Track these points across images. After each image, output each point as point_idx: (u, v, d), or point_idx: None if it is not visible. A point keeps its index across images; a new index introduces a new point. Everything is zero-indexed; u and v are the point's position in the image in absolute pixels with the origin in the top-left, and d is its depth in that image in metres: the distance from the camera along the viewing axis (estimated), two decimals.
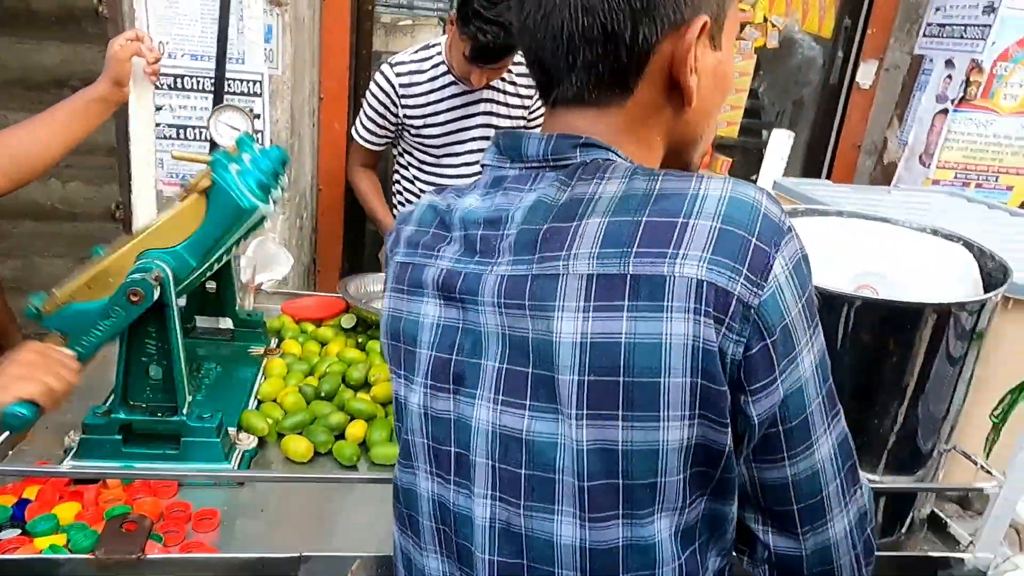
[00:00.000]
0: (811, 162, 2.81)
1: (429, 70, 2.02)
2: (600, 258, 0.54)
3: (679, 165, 0.69)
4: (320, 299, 1.86)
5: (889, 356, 1.09)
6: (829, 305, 1.06)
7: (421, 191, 2.14)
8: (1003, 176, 2.36)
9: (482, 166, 0.69)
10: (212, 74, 2.02)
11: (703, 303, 0.51)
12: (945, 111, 2.30)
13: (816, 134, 2.78)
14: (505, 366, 0.59)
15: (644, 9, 0.57)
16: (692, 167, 0.69)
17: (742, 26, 2.64)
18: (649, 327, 0.52)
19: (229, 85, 2.07)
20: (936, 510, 1.31)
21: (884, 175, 2.60)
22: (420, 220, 0.70)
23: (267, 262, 1.93)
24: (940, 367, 1.11)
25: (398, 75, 2.01)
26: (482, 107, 2.04)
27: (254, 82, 2.09)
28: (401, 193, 2.20)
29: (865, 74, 2.66)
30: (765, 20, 2.64)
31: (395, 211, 2.23)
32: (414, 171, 2.14)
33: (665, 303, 0.52)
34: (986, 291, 1.18)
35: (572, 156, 0.61)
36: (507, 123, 2.09)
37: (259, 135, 2.14)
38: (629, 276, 0.53)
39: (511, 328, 0.58)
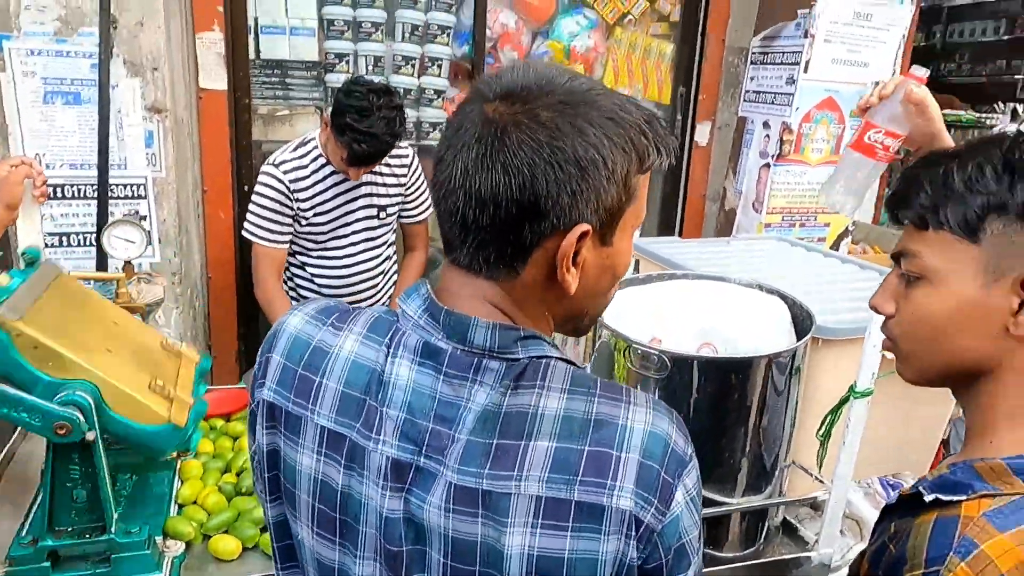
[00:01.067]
0: (668, 210, 3.16)
1: (310, 164, 2.14)
2: (549, 482, 0.62)
3: (570, 328, 0.76)
4: (224, 393, 1.90)
5: (732, 399, 1.33)
6: (680, 365, 1.29)
7: (312, 276, 2.23)
8: (820, 215, 2.78)
9: (401, 311, 0.71)
10: (94, 181, 2.06)
11: (629, 528, 0.62)
12: (768, 165, 2.69)
13: (669, 186, 3.14)
14: (451, 563, 0.65)
15: (530, 210, 0.62)
16: (583, 331, 0.78)
17: None
18: (589, 545, 0.62)
19: (113, 190, 2.11)
20: (788, 517, 1.56)
21: (727, 219, 2.97)
22: (339, 377, 0.70)
23: None
24: (771, 401, 1.36)
25: (285, 172, 2.10)
26: (364, 190, 2.18)
27: (138, 185, 2.14)
28: (291, 280, 2.29)
29: (701, 133, 3.04)
30: None
31: (299, 296, 2.30)
32: (302, 258, 2.24)
33: (603, 527, 0.62)
34: (800, 334, 1.46)
35: (515, 350, 0.66)
36: (387, 200, 2.23)
37: (147, 235, 2.18)
38: (575, 502, 0.62)
39: (456, 531, 0.64)
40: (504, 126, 0.62)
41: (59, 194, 2.07)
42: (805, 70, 2.53)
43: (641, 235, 3.18)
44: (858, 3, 2.49)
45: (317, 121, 2.73)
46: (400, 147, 2.23)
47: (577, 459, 0.62)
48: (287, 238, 2.16)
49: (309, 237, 2.19)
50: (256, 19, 2.56)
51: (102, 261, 2.09)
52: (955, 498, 0.69)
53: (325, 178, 2.13)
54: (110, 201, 2.11)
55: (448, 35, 2.76)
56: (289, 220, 2.14)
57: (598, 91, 0.66)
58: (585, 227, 0.63)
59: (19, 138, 2.01)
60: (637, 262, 2.12)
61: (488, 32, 2.78)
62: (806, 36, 2.51)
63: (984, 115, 7.56)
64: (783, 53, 2.62)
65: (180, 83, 2.27)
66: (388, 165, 2.22)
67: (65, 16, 1.96)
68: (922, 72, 1.06)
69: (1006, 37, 8.96)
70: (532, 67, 0.67)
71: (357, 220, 2.20)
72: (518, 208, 0.62)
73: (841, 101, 2.62)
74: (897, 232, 0.85)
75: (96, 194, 2.06)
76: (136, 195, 2.14)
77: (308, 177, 2.12)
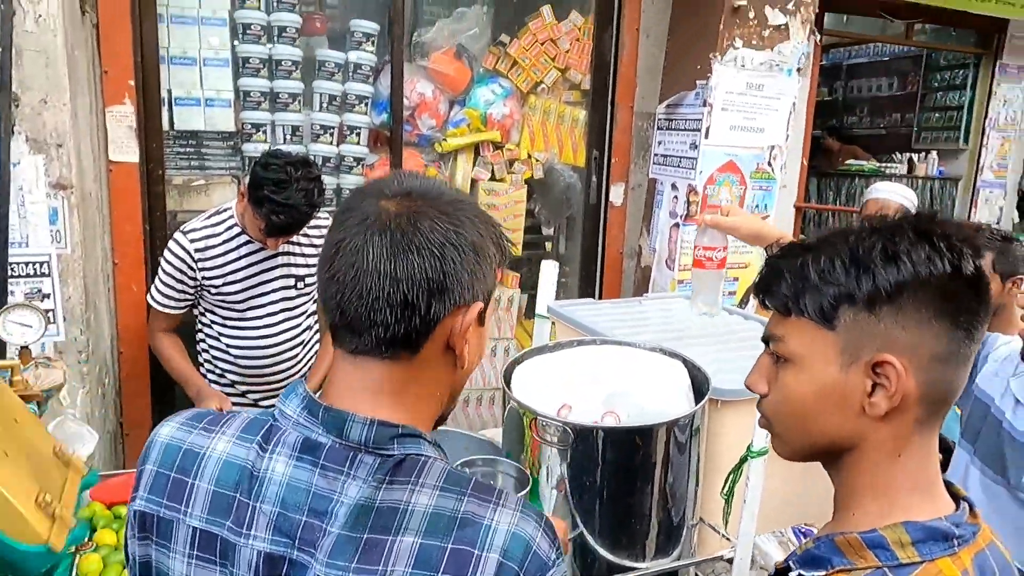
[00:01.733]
0: (589, 266, 3.25)
1: (223, 232, 2.13)
2: None
3: (449, 409, 0.81)
4: (129, 478, 1.84)
5: (635, 465, 1.37)
6: (585, 437, 1.33)
7: (228, 346, 2.20)
8: (729, 270, 2.92)
9: (280, 413, 0.74)
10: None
11: None
12: (677, 224, 2.82)
13: (588, 243, 3.24)
14: None
15: (439, 290, 0.69)
16: (447, 415, 0.83)
17: (511, 162, 3.06)
18: None
19: (13, 269, 2.04)
20: (700, 573, 1.60)
21: (644, 276, 3.08)
22: (210, 476, 0.72)
23: (68, 443, 1.88)
24: (675, 463, 1.41)
25: (192, 241, 2.10)
26: (280, 260, 2.18)
27: (41, 263, 2.08)
28: (207, 351, 2.25)
29: (616, 194, 3.17)
30: (529, 156, 3.08)
31: (201, 369, 2.26)
32: (218, 328, 2.20)
33: None
34: (699, 396, 1.53)
35: (390, 447, 0.70)
36: (306, 271, 2.23)
37: (51, 314, 2.11)
38: None
39: None
40: (415, 215, 0.70)
41: None
42: (706, 136, 2.69)
43: (563, 294, 3.26)
44: (749, 75, 2.68)
45: (233, 190, 2.72)
46: (320, 216, 2.25)
47: (439, 556, 0.65)
48: (184, 305, 2.17)
49: (223, 307, 2.17)
50: (170, 91, 2.56)
51: (1, 346, 2.00)
52: (816, 573, 0.74)
53: (238, 247, 2.12)
54: (11, 280, 2.04)
55: (366, 104, 2.81)
56: (191, 288, 2.13)
57: (471, 200, 0.77)
58: (481, 305, 0.72)
59: None
60: (553, 324, 2.18)
61: (406, 101, 2.85)
62: (705, 105, 2.68)
63: (884, 164, 8.12)
64: (686, 120, 2.78)
65: (88, 157, 2.24)
66: (307, 235, 2.22)
67: None
68: (723, 199, 1.33)
69: (898, 93, 9.72)
70: (415, 175, 0.76)
71: (275, 290, 2.19)
72: (427, 288, 0.68)
73: (741, 164, 2.79)
74: None
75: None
76: (39, 273, 2.08)
77: (219, 246, 2.11)
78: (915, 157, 7.81)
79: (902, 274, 0.71)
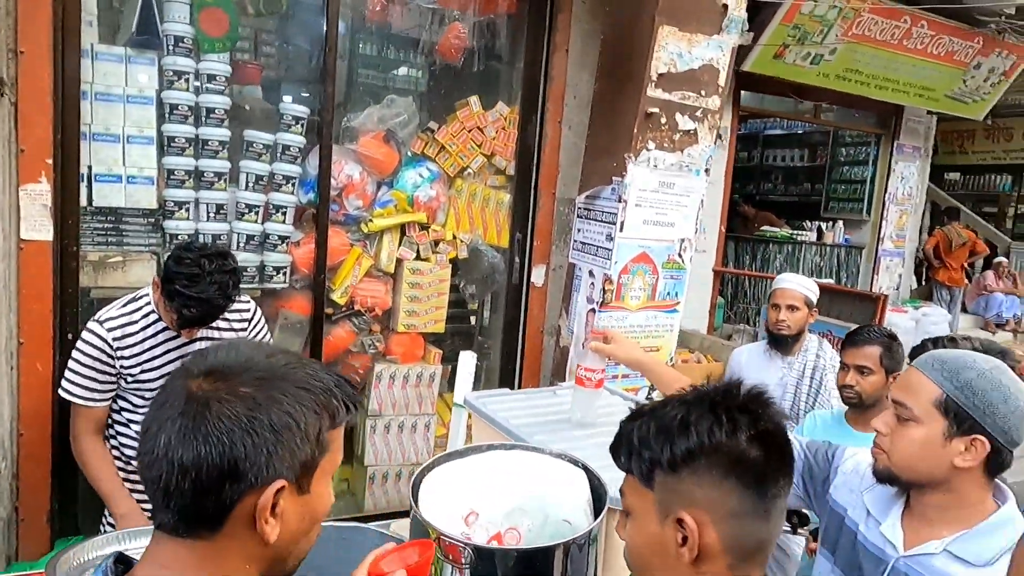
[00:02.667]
0: (510, 341, 3.34)
1: (140, 320, 2.11)
2: None
3: (277, 572, 0.82)
4: None
5: None
6: (486, 557, 1.38)
7: (139, 433, 2.16)
8: None
9: None
10: None
11: None
12: (593, 310, 2.95)
13: (510, 320, 3.33)
14: None
15: (230, 474, 0.71)
16: (289, 572, 0.84)
17: (436, 242, 3.14)
18: None
19: None
20: None
21: (563, 354, 3.19)
22: None
23: None
24: (575, 572, 1.48)
25: (109, 330, 2.06)
26: (198, 345, 2.16)
27: None
28: (115, 438, 2.19)
29: (537, 275, 3.29)
30: (454, 237, 3.17)
31: (112, 453, 2.20)
32: (128, 415, 2.16)
33: None
34: (598, 502, 1.61)
35: None
36: None
37: None
38: None
39: None
40: (206, 400, 0.72)
41: None
42: (621, 229, 2.85)
43: (487, 365, 3.33)
44: (661, 174, 2.87)
45: (152, 267, 2.70)
46: (241, 300, 2.25)
47: None
48: (107, 397, 2.10)
49: (137, 394, 2.13)
50: (90, 167, 2.54)
51: None
52: None
53: (156, 334, 2.10)
54: None
55: (293, 184, 2.85)
56: (111, 379, 2.08)
57: (294, 365, 0.80)
58: (281, 483, 0.74)
59: None
60: (469, 418, 2.24)
61: (333, 182, 2.90)
62: (620, 200, 2.84)
63: (796, 232, 8.61)
64: (603, 212, 2.94)
65: (1, 238, 2.19)
66: (226, 319, 2.22)
67: None
68: (601, 328, 1.50)
69: (809, 164, 10.39)
70: (236, 347, 0.80)
71: None
72: (218, 473, 0.71)
73: (653, 255, 2.96)
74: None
75: None
76: None
77: (136, 334, 2.08)
78: (823, 226, 8.34)
79: (691, 442, 0.85)
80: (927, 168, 8.02)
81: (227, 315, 2.22)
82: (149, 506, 2.17)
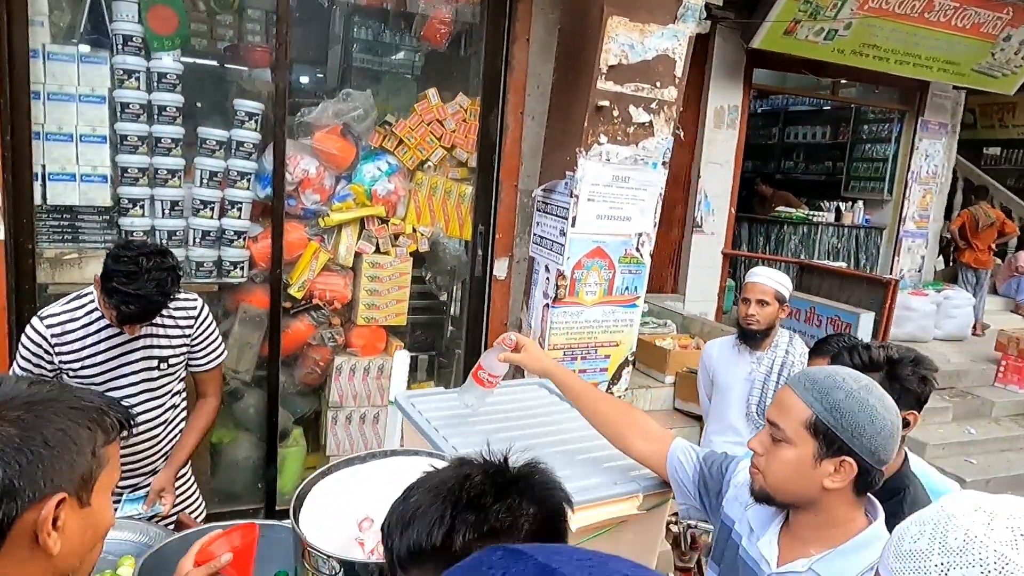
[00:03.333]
0: (475, 333, 3.34)
1: (83, 317, 2.17)
2: None
3: None
4: None
5: None
6: (353, 570, 1.40)
7: None
8: (600, 348, 3.03)
9: None
10: None
11: None
12: (548, 305, 2.93)
13: (474, 313, 3.33)
14: None
15: (5, 494, 0.74)
16: None
17: (396, 236, 3.15)
18: None
19: None
20: None
21: None
22: None
23: None
24: None
25: (48, 327, 2.12)
26: (142, 343, 2.21)
27: None
28: None
29: (499, 268, 3.27)
30: (414, 230, 3.17)
31: None
32: None
33: None
34: None
35: None
36: (170, 352, 2.27)
37: None
38: None
39: None
40: None
41: None
42: (573, 224, 2.81)
43: (455, 355, 3.35)
44: (615, 168, 2.81)
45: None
46: (188, 298, 2.29)
47: None
48: None
49: (83, 387, 2.20)
50: (44, 166, 2.60)
51: None
52: None
53: (98, 331, 2.15)
54: None
55: (248, 180, 2.88)
56: (48, 373, 2.14)
57: (59, 390, 0.85)
58: (61, 495, 0.77)
59: None
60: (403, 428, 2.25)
61: (289, 177, 2.92)
62: (572, 196, 2.80)
63: (812, 212, 8.36)
64: (557, 207, 2.90)
65: None
66: (172, 316, 2.26)
67: None
68: (512, 338, 1.45)
69: (831, 141, 10.06)
70: (4, 381, 0.84)
71: (134, 372, 2.22)
72: None
73: (609, 250, 2.91)
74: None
75: None
76: None
77: (78, 331, 2.14)
78: (843, 206, 8.08)
79: (411, 540, 0.80)
80: (954, 146, 7.70)
81: (173, 313, 2.26)
82: None
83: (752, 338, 2.74)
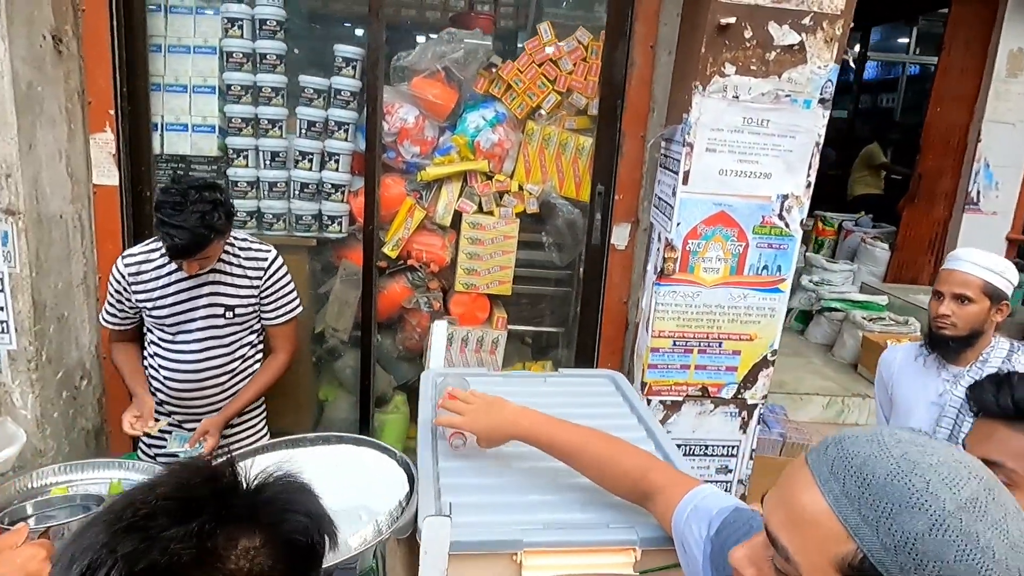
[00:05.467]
0: (589, 313, 2.88)
1: (158, 259, 2.22)
2: None
3: None
4: None
5: None
6: None
7: (159, 366, 2.28)
8: (726, 342, 2.40)
9: None
10: None
11: None
12: (655, 282, 2.37)
13: (589, 288, 2.87)
14: None
15: None
16: None
17: (501, 194, 2.80)
18: None
19: None
20: None
21: (636, 334, 2.66)
22: None
23: (3, 442, 2.07)
24: None
25: (127, 266, 2.22)
26: (208, 288, 2.21)
27: None
28: (148, 368, 2.35)
29: (619, 236, 2.76)
30: (521, 188, 2.79)
31: (150, 382, 2.36)
32: (154, 347, 2.30)
33: None
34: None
35: None
36: (237, 301, 2.25)
37: (4, 324, 2.36)
38: None
39: None
40: None
41: None
42: (684, 182, 2.22)
43: (566, 354, 2.94)
44: (748, 108, 2.15)
45: None
46: (260, 248, 2.26)
47: None
48: (126, 324, 2.31)
49: (157, 328, 2.26)
50: (163, 117, 2.71)
51: None
52: None
53: (169, 273, 2.19)
54: None
55: (347, 130, 2.74)
56: (128, 309, 2.25)
57: None
58: None
59: None
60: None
61: (387, 127, 2.73)
62: (684, 145, 2.20)
63: None
64: (672, 160, 2.32)
65: (59, 183, 2.45)
66: (241, 266, 2.24)
67: None
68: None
69: None
70: None
71: (201, 318, 2.23)
72: None
73: (738, 216, 2.26)
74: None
75: None
76: None
77: (152, 271, 2.20)
78: None
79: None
80: None
81: (243, 262, 2.23)
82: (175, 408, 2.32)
83: (945, 347, 1.98)
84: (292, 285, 2.34)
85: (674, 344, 2.39)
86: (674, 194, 2.26)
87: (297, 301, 2.36)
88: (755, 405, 2.49)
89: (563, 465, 1.52)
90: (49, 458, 2.49)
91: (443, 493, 1.40)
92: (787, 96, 2.14)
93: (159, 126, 2.72)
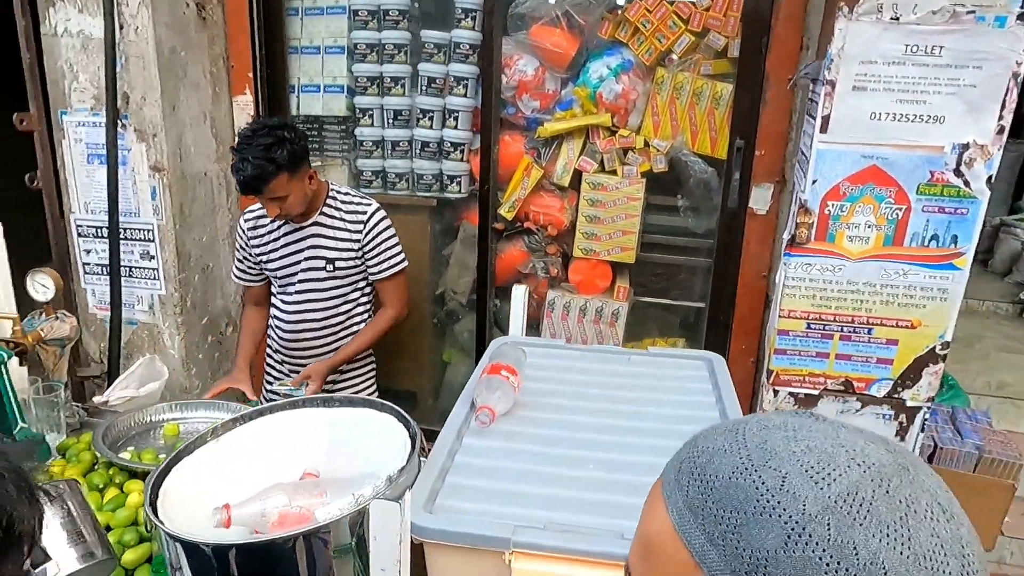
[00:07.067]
0: (722, 285, 2.54)
1: None
2: None
3: None
4: None
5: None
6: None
7: (274, 316, 2.38)
8: (878, 328, 1.96)
9: None
10: (121, 225, 2.53)
11: None
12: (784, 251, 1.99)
13: (721, 257, 2.52)
14: None
15: None
16: None
17: (624, 151, 2.54)
18: None
19: (130, 233, 2.57)
20: None
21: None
22: None
23: (149, 377, 2.30)
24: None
25: (246, 221, 2.32)
26: (309, 241, 2.24)
27: (147, 229, 2.57)
28: (271, 318, 2.46)
29: (759, 199, 2.37)
30: (647, 144, 2.50)
31: (268, 332, 2.47)
32: (273, 299, 2.41)
33: None
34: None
35: None
36: (336, 253, 2.25)
37: (155, 271, 2.61)
38: None
39: None
40: None
41: (100, 234, 2.60)
42: (824, 129, 1.81)
43: (693, 332, 2.65)
44: (910, 33, 1.68)
45: (344, 173, 2.89)
46: (362, 201, 2.26)
47: None
48: (253, 280, 2.38)
49: (273, 280, 2.36)
50: (299, 79, 2.82)
51: (117, 288, 2.56)
52: None
53: (279, 227, 2.27)
54: (129, 242, 2.57)
55: (466, 86, 2.65)
56: (252, 262, 2.34)
57: None
58: None
59: (75, 190, 2.58)
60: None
61: (505, 80, 2.59)
62: (822, 84, 1.79)
63: None
64: (815, 104, 1.91)
65: (203, 142, 2.64)
66: (342, 219, 2.25)
67: (98, 95, 2.45)
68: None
69: None
70: None
71: (303, 270, 2.27)
72: None
73: (896, 172, 1.80)
74: None
75: (110, 235, 2.54)
76: (146, 238, 2.57)
77: (267, 225, 2.29)
78: None
79: None
80: None
81: (344, 216, 2.25)
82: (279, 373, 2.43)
83: None
84: (396, 240, 2.29)
85: (808, 327, 2.00)
86: (811, 145, 1.86)
87: (401, 256, 2.30)
88: (917, 408, 2.01)
89: (607, 455, 1.31)
90: (194, 395, 2.73)
91: (450, 472, 1.26)
92: (969, 13, 1.64)
93: (295, 88, 2.82)
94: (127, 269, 2.61)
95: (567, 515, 1.14)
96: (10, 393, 1.81)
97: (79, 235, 2.64)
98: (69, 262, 2.67)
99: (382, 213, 2.26)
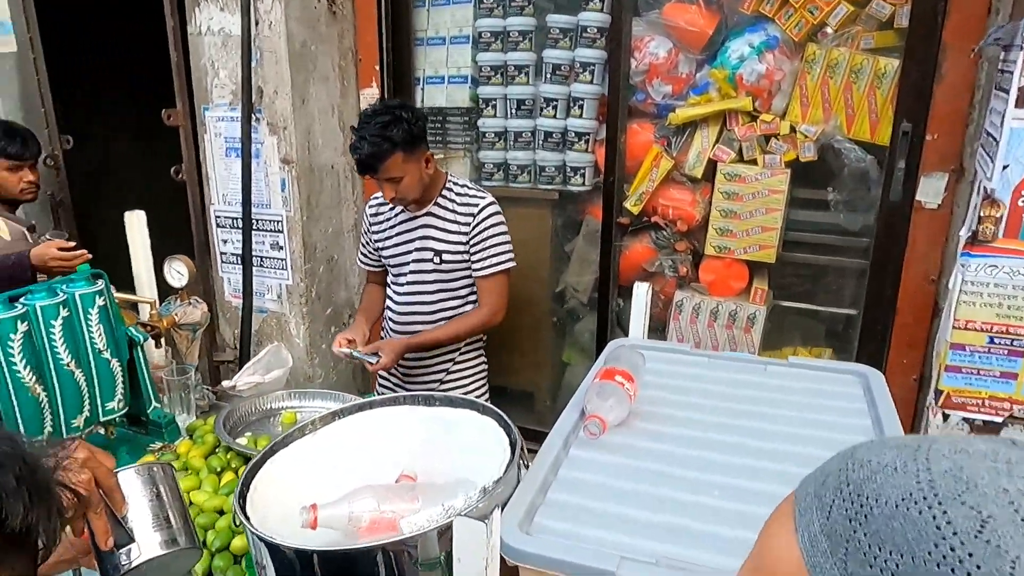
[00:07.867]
0: (879, 289, 2.23)
1: None
2: None
3: None
4: None
5: None
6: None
7: (389, 307, 2.34)
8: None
9: None
10: (255, 216, 2.62)
11: None
12: (961, 251, 1.68)
13: (881, 257, 2.21)
14: None
15: None
16: None
17: (766, 138, 2.29)
18: None
19: (261, 224, 2.65)
20: None
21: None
22: None
23: (275, 363, 2.37)
24: None
25: (370, 207, 2.31)
26: (420, 232, 2.18)
27: (277, 221, 2.64)
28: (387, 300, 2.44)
29: (929, 191, 2.04)
30: (793, 131, 2.24)
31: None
32: (387, 289, 2.38)
33: None
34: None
35: None
36: (445, 246, 2.17)
37: (283, 262, 2.68)
38: None
39: None
40: None
41: (235, 224, 2.71)
42: (1019, 104, 1.50)
43: (844, 341, 2.38)
44: None
45: (466, 164, 2.83)
46: (475, 194, 2.17)
47: None
48: (371, 261, 2.34)
49: (388, 269, 2.33)
50: (423, 71, 2.80)
51: (249, 277, 2.65)
52: None
53: (397, 215, 2.23)
54: (260, 232, 2.66)
55: (592, 72, 2.50)
56: (373, 247, 2.31)
57: None
58: None
59: (214, 182, 2.71)
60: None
61: (634, 64, 2.42)
62: (1015, 48, 1.48)
63: None
64: (1007, 76, 1.59)
65: (332, 135, 2.68)
66: (454, 210, 2.18)
67: (235, 90, 2.55)
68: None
69: None
70: None
71: (413, 260, 2.22)
72: None
73: None
74: None
75: (243, 225, 2.63)
76: (276, 229, 2.65)
77: (386, 213, 2.26)
78: None
79: None
80: None
81: (456, 207, 2.17)
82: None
83: None
84: (505, 238, 2.16)
85: (991, 342, 1.68)
86: (1002, 124, 1.55)
87: (507, 256, 2.17)
88: None
89: (734, 481, 1.13)
90: (317, 384, 2.79)
91: (552, 488, 1.13)
92: None
93: (420, 80, 2.80)
94: (258, 259, 2.70)
95: (682, 549, 0.98)
96: (145, 374, 1.89)
97: (217, 226, 2.76)
98: (208, 252, 2.81)
99: (495, 208, 2.15)
